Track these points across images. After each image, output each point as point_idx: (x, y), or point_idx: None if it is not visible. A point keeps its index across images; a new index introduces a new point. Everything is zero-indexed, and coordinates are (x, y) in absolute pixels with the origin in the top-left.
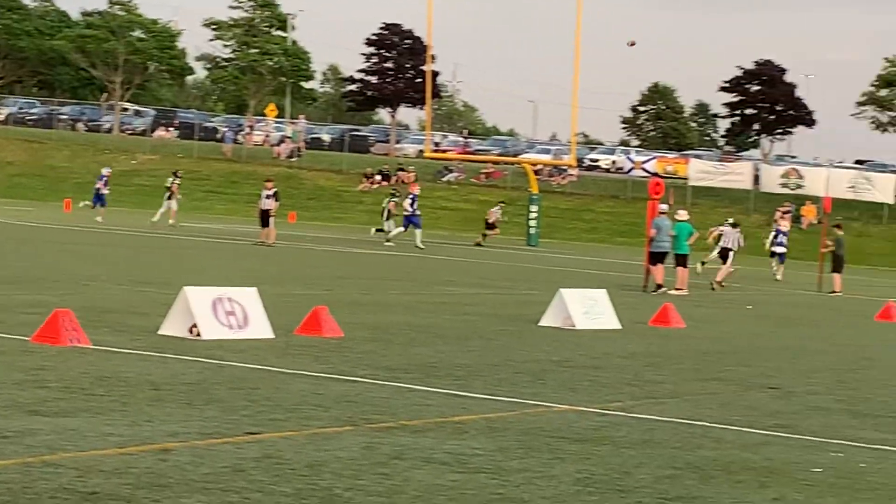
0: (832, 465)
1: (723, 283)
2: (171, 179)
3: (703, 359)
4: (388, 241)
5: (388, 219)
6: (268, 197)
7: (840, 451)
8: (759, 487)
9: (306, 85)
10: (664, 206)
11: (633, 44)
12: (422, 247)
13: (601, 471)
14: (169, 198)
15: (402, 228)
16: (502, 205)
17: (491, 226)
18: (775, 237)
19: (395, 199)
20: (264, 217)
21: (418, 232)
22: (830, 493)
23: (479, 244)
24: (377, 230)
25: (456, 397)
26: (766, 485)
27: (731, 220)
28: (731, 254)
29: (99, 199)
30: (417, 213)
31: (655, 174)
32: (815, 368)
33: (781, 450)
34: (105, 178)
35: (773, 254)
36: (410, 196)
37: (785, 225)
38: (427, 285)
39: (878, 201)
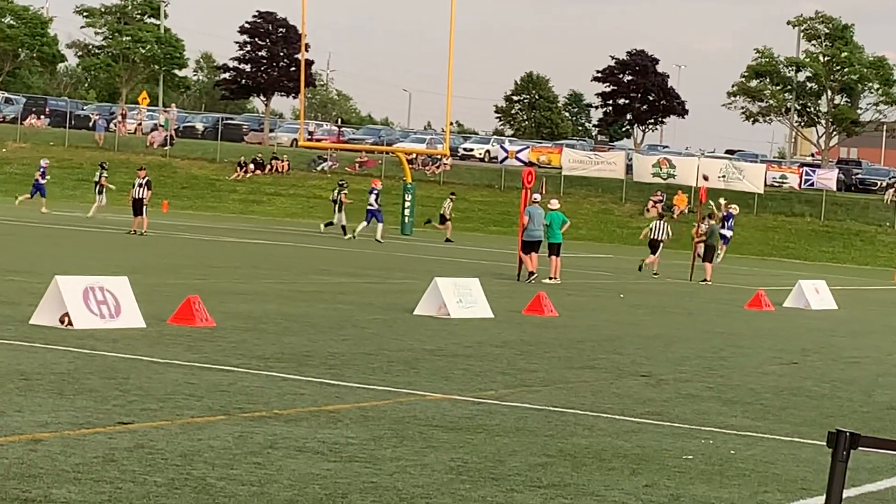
0: (703, 452)
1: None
2: (98, 172)
3: (575, 347)
4: (353, 237)
5: (339, 210)
6: (140, 185)
7: (710, 438)
8: (630, 474)
9: (179, 73)
10: (536, 196)
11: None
12: (381, 241)
13: (474, 459)
14: (100, 192)
15: (364, 223)
16: (453, 197)
17: (444, 219)
18: (726, 219)
19: (345, 191)
20: (137, 206)
21: (380, 226)
22: (701, 480)
23: (448, 240)
24: (327, 224)
25: (329, 386)
26: (637, 472)
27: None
28: (660, 245)
29: (38, 188)
30: (379, 207)
31: (529, 163)
32: (686, 356)
33: (653, 437)
34: (43, 169)
35: (722, 237)
36: (374, 191)
37: (735, 210)
38: (301, 274)
39: (748, 191)
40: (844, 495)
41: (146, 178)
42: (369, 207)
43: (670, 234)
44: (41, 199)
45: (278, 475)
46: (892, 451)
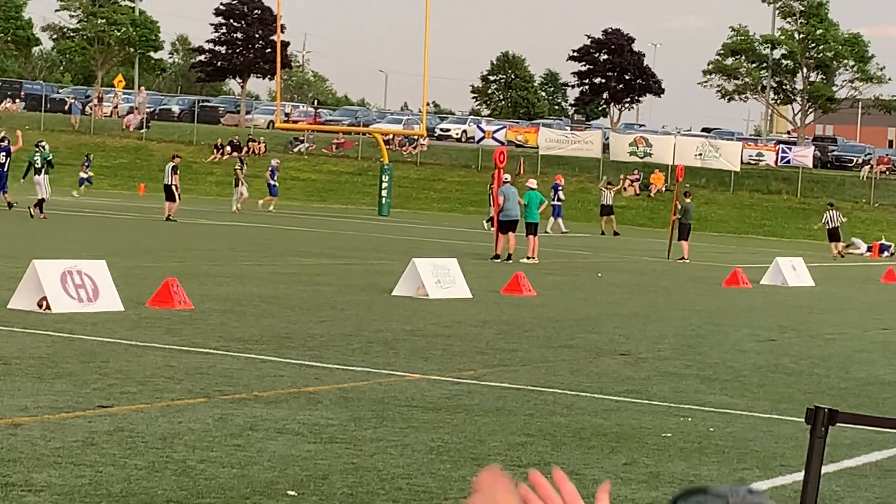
0: (681, 430)
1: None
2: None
3: (554, 326)
4: (237, 209)
5: (237, 185)
6: (170, 171)
7: (689, 416)
8: (610, 453)
9: (155, 55)
10: (507, 175)
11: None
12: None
13: (454, 439)
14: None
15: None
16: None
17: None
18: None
19: (241, 168)
20: (168, 191)
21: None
22: (680, 457)
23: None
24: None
25: (309, 368)
26: (616, 450)
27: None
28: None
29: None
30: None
31: (506, 143)
32: (664, 335)
33: (632, 415)
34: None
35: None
36: (557, 187)
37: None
38: (279, 256)
39: (724, 169)
40: (822, 471)
41: (175, 163)
42: (554, 203)
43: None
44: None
45: (259, 457)
46: (870, 426)
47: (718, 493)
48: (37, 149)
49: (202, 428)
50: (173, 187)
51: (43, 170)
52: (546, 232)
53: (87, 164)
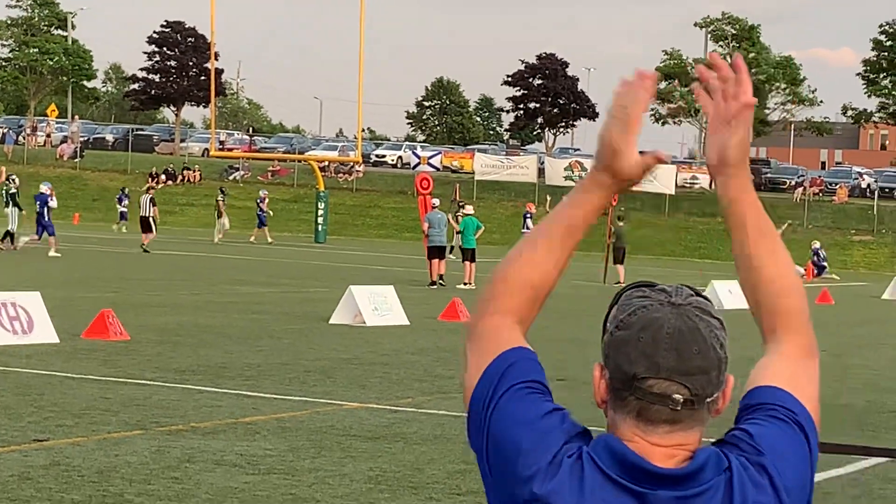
0: None
1: None
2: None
3: None
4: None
5: (219, 217)
6: (146, 202)
7: None
8: None
9: (88, 84)
10: (436, 201)
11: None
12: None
13: (393, 468)
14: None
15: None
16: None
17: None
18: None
19: (222, 198)
20: (143, 222)
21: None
22: None
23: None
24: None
25: (246, 398)
26: None
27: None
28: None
29: None
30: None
31: (441, 168)
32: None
33: None
34: None
35: None
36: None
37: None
38: (215, 284)
39: (660, 192)
40: None
41: (151, 195)
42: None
43: None
44: None
45: (196, 489)
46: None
47: (664, 288)
48: (7, 182)
49: (139, 461)
50: (151, 219)
51: (9, 203)
52: None
53: (122, 198)
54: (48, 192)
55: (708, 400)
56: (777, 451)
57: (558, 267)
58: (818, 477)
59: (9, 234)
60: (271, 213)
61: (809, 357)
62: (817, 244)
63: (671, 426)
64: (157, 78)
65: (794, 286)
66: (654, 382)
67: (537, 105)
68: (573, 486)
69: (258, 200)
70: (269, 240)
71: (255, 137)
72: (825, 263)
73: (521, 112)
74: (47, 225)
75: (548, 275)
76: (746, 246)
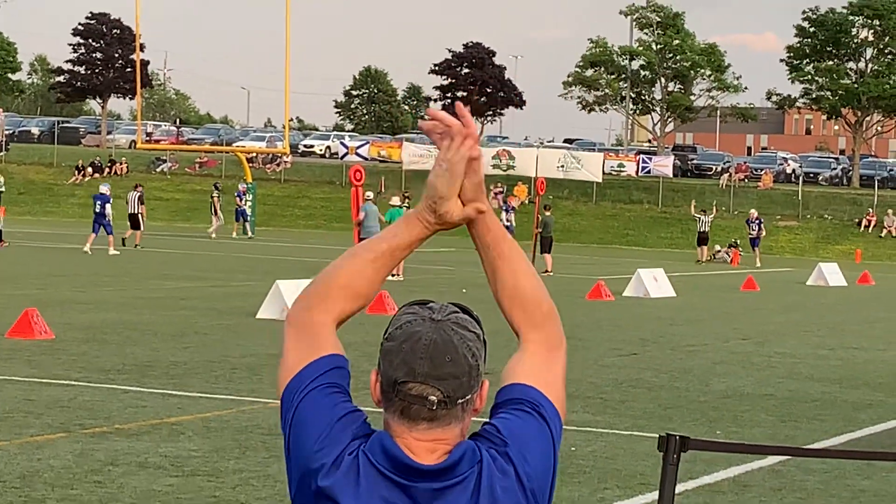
0: None
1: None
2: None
3: None
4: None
5: (214, 213)
6: (135, 199)
7: None
8: None
9: (13, 77)
10: (370, 193)
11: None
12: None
13: None
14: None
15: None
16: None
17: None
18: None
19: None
20: (133, 219)
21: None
22: None
23: None
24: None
25: (172, 397)
26: None
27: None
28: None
29: None
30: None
31: (370, 158)
32: None
33: None
34: None
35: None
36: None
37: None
38: (142, 280)
39: (587, 180)
40: (682, 488)
41: (140, 192)
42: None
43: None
44: None
45: (120, 493)
46: (720, 451)
47: (431, 306)
48: None
49: (62, 465)
50: (139, 216)
51: None
52: None
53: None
54: (108, 193)
55: (461, 401)
56: (521, 441)
57: (377, 280)
58: (739, 469)
59: None
60: (247, 207)
61: (554, 349)
62: (755, 213)
63: (430, 423)
64: (82, 70)
65: (531, 287)
66: (412, 386)
67: (465, 94)
68: (350, 481)
69: (237, 194)
70: (234, 234)
71: (183, 129)
72: (763, 231)
73: (449, 101)
74: (106, 224)
75: (370, 285)
76: (490, 262)
